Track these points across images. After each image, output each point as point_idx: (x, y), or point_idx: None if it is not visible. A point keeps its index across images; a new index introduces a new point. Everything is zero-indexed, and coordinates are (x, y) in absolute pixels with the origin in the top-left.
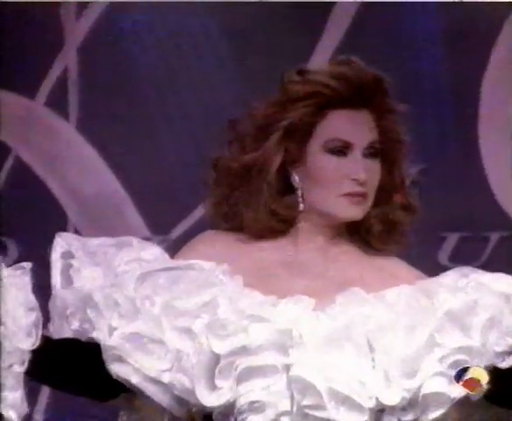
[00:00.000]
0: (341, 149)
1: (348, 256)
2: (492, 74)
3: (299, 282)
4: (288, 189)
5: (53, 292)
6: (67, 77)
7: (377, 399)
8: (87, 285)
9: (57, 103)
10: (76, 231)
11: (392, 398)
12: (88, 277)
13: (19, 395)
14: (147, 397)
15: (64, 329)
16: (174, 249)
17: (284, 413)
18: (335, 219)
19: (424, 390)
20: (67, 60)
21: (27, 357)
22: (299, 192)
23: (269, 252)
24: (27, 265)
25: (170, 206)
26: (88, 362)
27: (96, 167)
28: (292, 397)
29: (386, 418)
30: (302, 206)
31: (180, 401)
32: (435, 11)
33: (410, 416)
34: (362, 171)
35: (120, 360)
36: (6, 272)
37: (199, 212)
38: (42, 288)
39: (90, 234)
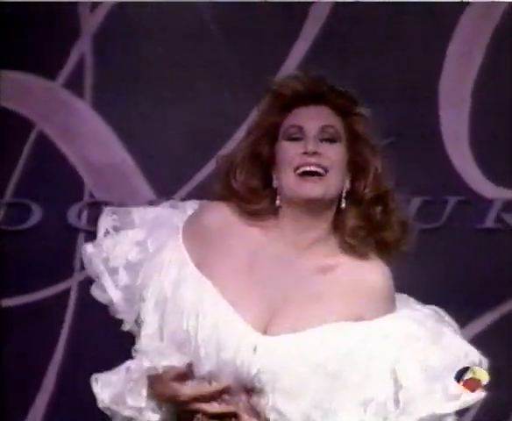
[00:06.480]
0: (297, 135)
1: (321, 246)
2: (449, 62)
3: (274, 271)
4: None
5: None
6: (83, 62)
7: None
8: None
9: (74, 84)
10: (91, 196)
11: None
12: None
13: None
14: None
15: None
16: None
17: None
18: (299, 198)
19: None
20: (84, 48)
21: None
22: (277, 191)
23: (258, 234)
24: None
25: (173, 172)
26: None
27: (108, 140)
28: None
29: None
30: (278, 202)
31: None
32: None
33: None
34: (311, 145)
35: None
36: None
37: (199, 177)
38: (62, 246)
39: (103, 198)
